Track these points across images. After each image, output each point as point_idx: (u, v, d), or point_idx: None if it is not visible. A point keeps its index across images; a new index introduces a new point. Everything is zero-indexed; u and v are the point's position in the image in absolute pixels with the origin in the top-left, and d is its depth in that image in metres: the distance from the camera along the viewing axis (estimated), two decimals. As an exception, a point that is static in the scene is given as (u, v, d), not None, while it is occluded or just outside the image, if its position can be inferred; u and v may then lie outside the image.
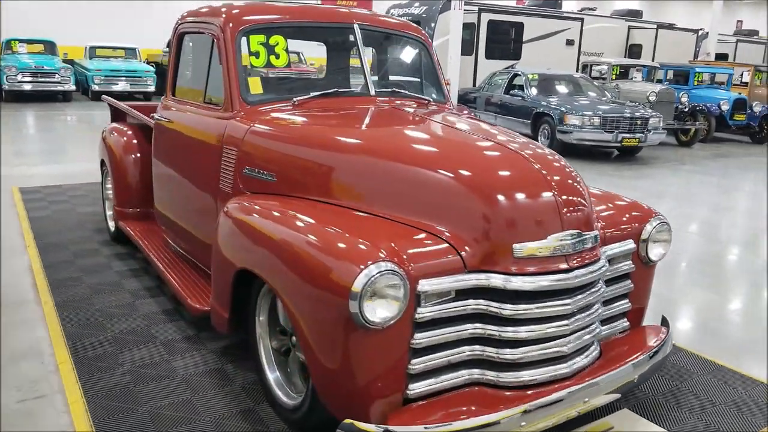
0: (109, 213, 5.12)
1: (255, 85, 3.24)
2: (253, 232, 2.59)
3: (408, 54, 3.92)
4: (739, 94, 13.83)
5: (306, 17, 3.48)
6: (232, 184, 3.09)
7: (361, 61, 3.47)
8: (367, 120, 3.17)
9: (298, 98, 3.25)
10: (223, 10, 3.37)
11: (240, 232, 2.69)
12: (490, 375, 2.34)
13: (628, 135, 10.24)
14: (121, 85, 16.62)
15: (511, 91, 11.48)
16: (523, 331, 2.31)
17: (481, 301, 2.28)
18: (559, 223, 2.37)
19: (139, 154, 4.64)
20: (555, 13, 16.43)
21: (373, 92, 3.45)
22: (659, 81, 14.50)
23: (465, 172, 2.40)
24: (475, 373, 2.34)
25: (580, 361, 2.49)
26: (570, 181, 2.50)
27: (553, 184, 2.42)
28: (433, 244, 2.29)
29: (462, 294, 2.28)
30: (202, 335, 3.43)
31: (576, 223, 2.43)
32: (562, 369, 2.41)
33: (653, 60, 17.37)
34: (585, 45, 16.55)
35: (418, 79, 3.90)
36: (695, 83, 14.36)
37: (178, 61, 3.76)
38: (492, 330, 2.30)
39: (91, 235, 5.12)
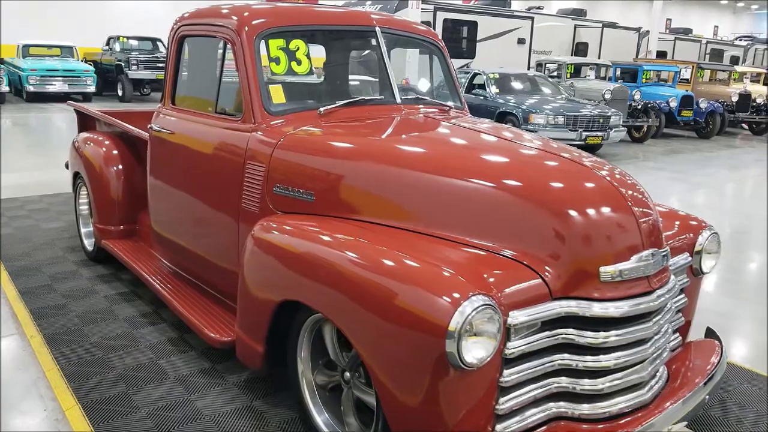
0: (84, 230, 4.71)
1: (277, 94, 2.96)
2: (303, 260, 2.32)
3: (425, 59, 3.72)
4: (686, 91, 14.27)
5: (326, 20, 3.22)
6: (259, 204, 2.81)
7: (386, 68, 3.25)
8: (412, 132, 2.95)
9: (325, 108, 3.01)
10: (237, 11, 3.07)
11: (283, 259, 2.43)
12: (574, 408, 2.17)
13: (591, 133, 10.36)
14: (58, 86, 15.76)
15: (473, 91, 11.43)
16: (608, 359, 2.15)
17: (570, 330, 2.11)
18: (641, 243, 2.23)
19: (121, 166, 4.26)
20: (506, 12, 16.55)
21: (399, 100, 3.24)
22: (607, 79, 14.81)
23: (545, 191, 2.22)
24: (561, 407, 2.17)
25: (654, 385, 2.36)
26: (641, 197, 2.36)
27: (630, 201, 2.28)
28: (516, 271, 2.10)
29: (546, 323, 2.10)
30: (218, 368, 3.14)
31: (653, 241, 2.29)
32: (641, 396, 2.26)
33: (599, 58, 17.76)
34: (535, 44, 16.73)
35: (437, 85, 3.70)
36: (643, 81, 14.72)
37: (177, 67, 3.43)
38: (577, 360, 2.13)
39: (65, 254, 4.68)
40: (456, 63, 14.26)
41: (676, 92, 13.96)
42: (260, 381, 3.01)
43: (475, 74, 11.84)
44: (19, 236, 5.05)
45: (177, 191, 3.36)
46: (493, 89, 11.29)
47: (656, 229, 2.33)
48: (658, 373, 2.43)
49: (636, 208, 2.26)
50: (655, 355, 2.33)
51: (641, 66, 14.97)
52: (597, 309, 2.12)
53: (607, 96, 12.50)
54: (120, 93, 16.53)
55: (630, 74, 15.20)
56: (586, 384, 2.15)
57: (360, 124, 2.97)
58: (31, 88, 15.42)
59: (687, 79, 16.33)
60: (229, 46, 3.03)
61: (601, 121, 10.50)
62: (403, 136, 2.90)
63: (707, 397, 2.49)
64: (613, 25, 19.07)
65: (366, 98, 3.23)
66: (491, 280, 2.02)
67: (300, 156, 2.70)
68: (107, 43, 17.73)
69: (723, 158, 11.99)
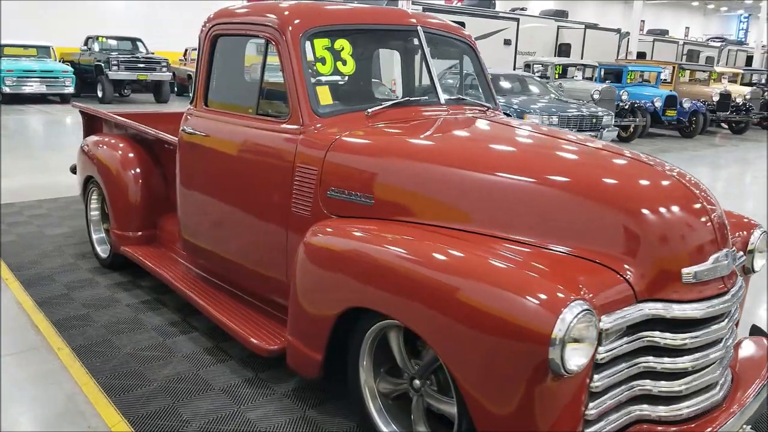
0: (96, 236, 4.54)
1: (324, 96, 2.88)
2: (377, 267, 2.23)
3: (461, 58, 3.65)
4: (670, 91, 14.46)
5: (370, 20, 3.13)
6: (311, 208, 2.72)
7: (429, 68, 3.18)
8: (468, 132, 2.88)
9: (372, 109, 2.93)
10: (280, 9, 2.97)
11: (350, 265, 2.34)
12: (654, 410, 2.13)
13: (584, 133, 10.41)
14: (35, 87, 15.35)
15: (466, 92, 11.40)
16: (687, 361, 2.12)
17: (655, 333, 2.08)
18: (716, 243, 2.21)
19: (138, 170, 4.12)
20: (493, 13, 16.60)
21: (443, 100, 3.17)
22: (593, 79, 14.94)
23: (624, 192, 2.18)
24: (644, 410, 2.12)
25: (724, 386, 2.34)
26: (710, 196, 2.34)
27: (704, 200, 2.25)
28: (602, 274, 2.06)
29: (630, 326, 2.06)
30: (263, 377, 3.03)
31: (725, 240, 2.27)
32: (714, 396, 2.24)
33: (582, 58, 17.91)
34: (520, 45, 16.81)
35: (474, 85, 3.64)
36: (628, 81, 14.88)
37: (210, 67, 3.30)
38: (659, 362, 2.10)
39: (76, 261, 4.52)
40: (445, 63, 14.32)
41: (661, 92, 14.14)
42: (310, 389, 2.92)
43: (467, 74, 11.81)
44: (24, 243, 4.86)
45: (213, 196, 3.24)
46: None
47: (726, 229, 2.31)
48: (725, 373, 2.41)
49: (709, 207, 2.24)
50: (725, 355, 2.31)
51: (626, 67, 15.14)
52: (681, 311, 2.10)
53: (596, 96, 12.60)
54: (100, 94, 16.16)
55: (614, 74, 15.37)
56: (666, 386, 2.12)
57: (414, 124, 2.90)
58: (7, 89, 14.99)
59: (665, 80, 16.55)
60: (272, 45, 2.93)
61: (594, 120, 10.58)
62: (463, 136, 2.83)
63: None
64: (594, 27, 19.27)
65: (411, 99, 3.15)
66: (587, 285, 1.97)
67: (358, 158, 2.62)
68: (85, 43, 17.32)
69: (709, 157, 12.17)
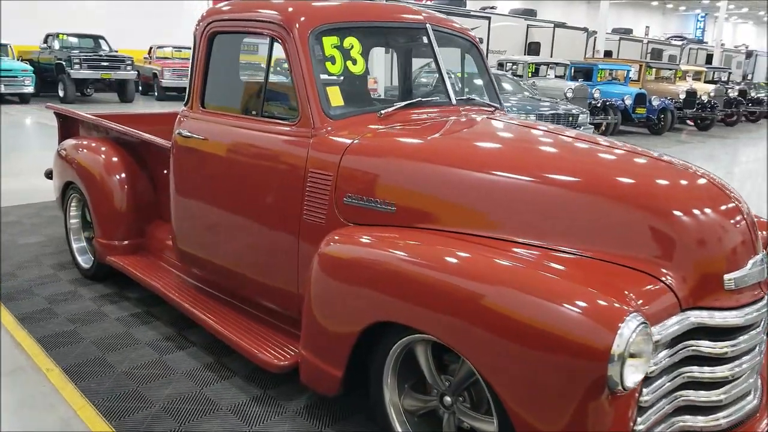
0: (77, 246, 4.30)
1: (335, 96, 2.72)
2: (408, 278, 2.09)
3: (466, 58, 3.54)
4: (640, 89, 14.65)
5: (379, 17, 2.99)
6: (326, 215, 2.57)
7: (439, 66, 3.06)
8: (490, 134, 2.76)
9: (385, 110, 2.79)
10: (285, 5, 2.82)
11: (376, 277, 2.20)
12: (696, 421, 2.05)
13: (561, 131, 10.44)
14: (-7, 86, 14.73)
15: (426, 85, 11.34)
16: (727, 369, 2.06)
17: (701, 342, 2.01)
18: (753, 247, 2.15)
19: (124, 175, 3.90)
20: (464, 12, 16.58)
21: (454, 101, 3.05)
22: (565, 78, 15.04)
23: (663, 197, 2.10)
24: (686, 420, 2.04)
25: (757, 392, 2.28)
26: (740, 197, 2.28)
27: (736, 202, 2.19)
28: (646, 283, 1.97)
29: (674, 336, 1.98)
30: (271, 393, 2.87)
31: (758, 244, 2.21)
32: (750, 403, 2.18)
33: (551, 56, 18.05)
34: (491, 43, 16.84)
35: (480, 84, 3.54)
36: (598, 79, 15.03)
37: (207, 67, 3.12)
38: (701, 372, 2.03)
39: (56, 272, 4.26)
40: (419, 62, 14.27)
41: (631, 90, 14.31)
42: (324, 406, 2.77)
43: (468, 73, 11.74)
44: (-2, 253, 4.59)
45: (213, 203, 3.05)
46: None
47: (757, 231, 2.25)
48: (757, 381, 2.36)
49: (743, 209, 2.18)
50: (759, 362, 2.26)
51: (596, 65, 15.28)
52: (723, 318, 2.03)
53: (569, 94, 12.68)
54: (61, 94, 15.63)
55: (583, 73, 15.50)
56: (708, 395, 2.05)
57: (430, 126, 2.77)
58: (-37, 90, 14.39)
59: (632, 78, 16.77)
60: (277, 44, 2.76)
61: (570, 119, 10.61)
62: (486, 138, 2.71)
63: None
64: (563, 26, 19.45)
65: (423, 99, 3.03)
66: (635, 296, 1.87)
67: (377, 162, 2.48)
68: (45, 41, 16.72)
69: (680, 154, 12.28)
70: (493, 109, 3.30)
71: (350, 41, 2.81)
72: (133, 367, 3.05)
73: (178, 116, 3.27)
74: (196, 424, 2.62)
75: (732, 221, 2.12)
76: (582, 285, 1.86)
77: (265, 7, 2.88)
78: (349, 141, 2.57)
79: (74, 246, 4.30)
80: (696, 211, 2.07)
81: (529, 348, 1.82)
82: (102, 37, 17.24)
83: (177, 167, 3.25)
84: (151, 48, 18.88)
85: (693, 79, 18.30)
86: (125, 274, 3.73)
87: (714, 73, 20.76)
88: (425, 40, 3.08)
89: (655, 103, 14.42)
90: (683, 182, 2.21)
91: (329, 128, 2.64)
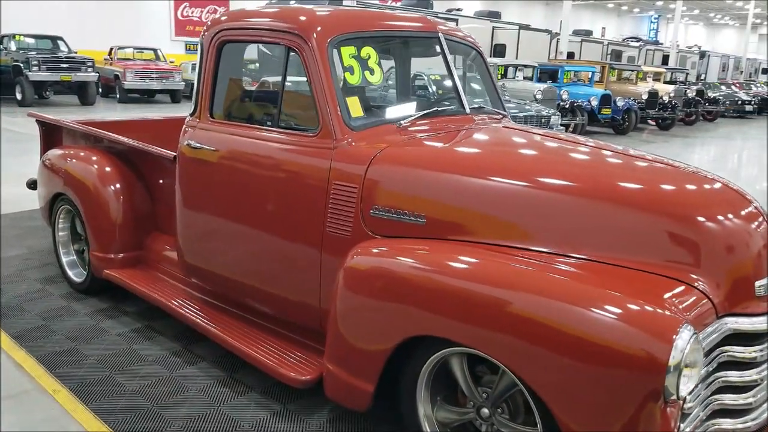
0: (66, 259, 4.15)
1: (355, 107, 2.69)
2: (448, 291, 2.07)
3: (472, 66, 3.55)
4: (605, 90, 14.95)
5: (394, 26, 2.97)
6: (351, 228, 2.54)
7: (452, 76, 3.05)
8: (513, 144, 2.76)
9: (404, 120, 2.77)
10: (299, 14, 2.77)
11: (411, 289, 2.18)
12: (727, 424, 2.09)
13: (534, 133, 10.58)
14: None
15: (416, 92, 11.36)
16: (755, 373, 2.12)
17: (735, 348, 2.07)
18: None
19: (119, 185, 3.78)
20: (431, 13, 16.62)
21: (468, 110, 3.05)
22: (530, 79, 15.26)
23: (694, 203, 2.18)
24: (720, 424, 2.08)
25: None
26: (758, 203, 2.34)
27: (757, 208, 2.26)
28: (684, 292, 2.00)
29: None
30: (291, 408, 2.82)
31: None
32: None
33: (516, 58, 18.26)
34: (457, 44, 16.91)
35: (485, 92, 3.55)
36: (564, 81, 15.28)
37: (216, 76, 3.04)
38: (733, 376, 2.08)
39: (44, 287, 4.11)
40: (388, 63, 14.26)
41: (597, 92, 14.59)
42: (348, 420, 2.73)
43: (415, 76, 11.77)
44: (-20, 268, 4.40)
45: (226, 216, 2.98)
46: (435, 89, 11.27)
47: None
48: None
49: (764, 214, 2.25)
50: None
51: (562, 67, 15.53)
52: (753, 324, 2.09)
53: (539, 96, 12.86)
54: (19, 96, 15.11)
55: (549, 74, 15.74)
56: (737, 399, 2.10)
57: (452, 134, 2.76)
58: None
59: (594, 80, 17.09)
60: (293, 53, 2.72)
61: (542, 120, 10.75)
62: (512, 148, 2.72)
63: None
64: (527, 27, 19.71)
65: (439, 109, 3.02)
66: (676, 303, 1.91)
67: (405, 173, 2.45)
68: (0, 42, 16.13)
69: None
70: (501, 116, 3.32)
71: (367, 51, 2.79)
72: (145, 385, 2.96)
73: (184, 126, 3.18)
74: (220, 443, 2.56)
75: (754, 226, 2.19)
76: (627, 295, 1.88)
77: (279, 16, 2.83)
78: (373, 151, 2.54)
79: (63, 259, 4.15)
80: (721, 217, 2.14)
81: (582, 360, 1.82)
82: (61, 38, 16.74)
83: (185, 179, 3.16)
84: (111, 49, 18.42)
85: (653, 80, 18.77)
86: (124, 288, 3.62)
87: (672, 73, 21.33)
88: (437, 48, 3.07)
89: (620, 103, 14.74)
90: (706, 187, 2.29)
91: (350, 139, 2.61)
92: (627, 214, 2.15)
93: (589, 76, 15.98)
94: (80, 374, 3.04)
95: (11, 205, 6.07)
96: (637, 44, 27.29)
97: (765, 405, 2.18)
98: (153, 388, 2.94)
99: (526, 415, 2.14)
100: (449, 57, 3.06)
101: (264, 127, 2.86)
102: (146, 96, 18.41)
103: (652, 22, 46.84)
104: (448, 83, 3.10)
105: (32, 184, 4.55)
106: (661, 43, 34.73)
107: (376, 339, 2.31)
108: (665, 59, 26.95)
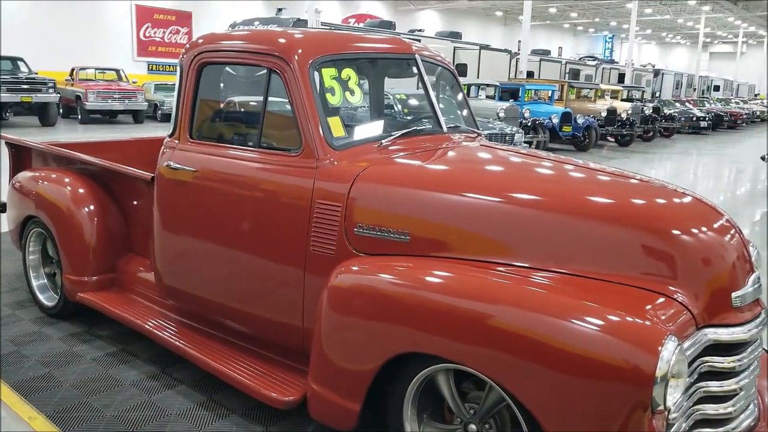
0: (37, 283, 4.07)
1: (337, 127, 2.73)
2: (435, 308, 2.11)
3: (444, 86, 3.63)
4: (565, 108, 15.32)
5: (372, 48, 3.03)
6: (335, 246, 2.56)
7: (429, 96, 3.13)
8: (495, 162, 2.82)
9: (385, 140, 2.82)
10: (280, 36, 2.81)
11: (397, 307, 2.20)
12: None
13: (499, 151, 10.77)
14: None
15: (396, 112, 11.47)
16: (735, 382, 2.18)
17: (715, 358, 2.13)
18: (749, 265, 2.31)
19: (92, 207, 3.73)
20: (394, 34, 16.82)
21: (445, 129, 3.12)
22: (492, 98, 15.53)
23: (671, 218, 2.24)
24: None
25: (756, 404, 2.43)
26: (731, 218, 2.44)
27: (731, 222, 2.35)
28: (667, 305, 2.07)
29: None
30: (273, 430, 2.81)
31: (753, 262, 2.37)
32: (753, 414, 2.29)
33: (478, 77, 18.57)
34: (420, 64, 17.13)
35: (458, 111, 3.63)
36: (526, 99, 15.61)
37: (195, 98, 3.05)
38: (715, 386, 2.15)
39: (14, 311, 4.01)
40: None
41: (557, 110, 14.95)
42: (329, 440, 2.74)
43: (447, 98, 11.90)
44: (-56, 294, 4.27)
45: (206, 236, 2.97)
46: (401, 108, 11.40)
47: (749, 250, 2.41)
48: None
49: (737, 228, 2.34)
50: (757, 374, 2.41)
51: (523, 86, 15.87)
52: (730, 334, 2.16)
53: (501, 114, 13.10)
54: (-24, 118, 14.76)
55: (510, 93, 16.05)
56: (717, 409, 2.16)
57: (430, 153, 2.82)
58: None
59: (554, 98, 17.49)
60: (275, 75, 2.75)
61: (506, 138, 10.96)
62: (492, 166, 2.78)
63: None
64: (487, 47, 20.07)
65: (418, 128, 3.08)
66: (658, 316, 1.98)
67: (389, 192, 2.49)
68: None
69: (607, 170, 12.95)
70: (476, 135, 3.40)
71: (347, 72, 2.84)
72: (123, 410, 2.91)
73: (162, 147, 3.17)
74: (205, 466, 2.54)
75: (728, 238, 2.27)
76: (610, 307, 1.94)
77: (259, 39, 2.87)
78: (356, 170, 2.58)
79: (34, 283, 4.07)
80: (695, 230, 2.21)
81: (569, 373, 1.87)
82: (21, 59, 16.43)
83: (163, 201, 3.15)
84: (73, 69, 18.14)
85: (611, 98, 19.28)
86: (98, 311, 3.56)
87: (629, 91, 21.96)
88: (414, 69, 3.14)
89: (580, 121, 15.12)
90: (679, 201, 2.37)
91: (332, 159, 2.64)
92: (604, 228, 2.21)
93: (549, 95, 16.35)
94: (56, 400, 2.98)
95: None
96: (593, 63, 28.01)
97: (745, 413, 2.25)
98: (132, 413, 2.90)
99: (513, 429, 2.18)
100: (426, 77, 3.13)
101: (245, 147, 2.88)
102: (108, 117, 18.14)
103: (606, 41, 48.28)
104: (424, 103, 3.16)
105: (2, 207, 4.45)
106: (617, 62, 35.78)
107: (362, 358, 2.33)
108: (621, 77, 27.71)
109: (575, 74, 24.88)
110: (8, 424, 2.80)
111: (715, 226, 2.27)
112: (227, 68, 3.22)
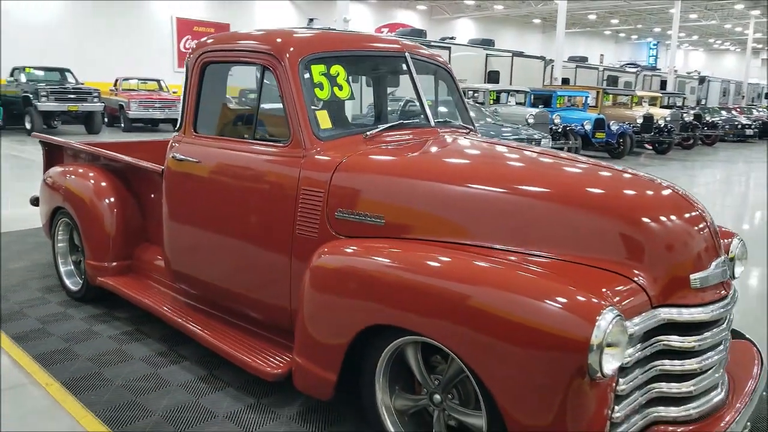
0: (64, 269, 4.40)
1: (324, 120, 2.95)
2: (401, 283, 2.28)
3: (440, 83, 3.81)
4: (598, 114, 15.23)
5: (362, 46, 3.24)
6: (318, 229, 2.77)
7: (417, 92, 3.31)
8: (471, 152, 2.99)
9: (370, 131, 3.02)
10: (274, 36, 3.04)
11: (368, 282, 2.39)
12: (669, 411, 2.24)
13: (525, 155, 10.82)
14: (-39, 119, 14.60)
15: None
16: (696, 362, 2.26)
17: (671, 336, 2.22)
18: (714, 249, 2.38)
19: (113, 199, 4.04)
20: (425, 42, 17.04)
21: (433, 123, 3.31)
22: (523, 104, 15.56)
23: (634, 204, 2.34)
24: (660, 411, 2.26)
25: (725, 386, 2.49)
26: (703, 206, 2.53)
27: (700, 210, 2.43)
28: (621, 283, 2.18)
29: (646, 331, 2.19)
30: (264, 402, 3.02)
31: (720, 247, 2.44)
32: (718, 395, 2.37)
33: (510, 84, 18.62)
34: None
35: (452, 108, 3.80)
36: (558, 106, 15.58)
37: (199, 95, 3.31)
38: (672, 365, 2.23)
39: (44, 295, 4.35)
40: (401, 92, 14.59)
41: (590, 116, 14.87)
42: (315, 411, 2.93)
43: (407, 101, 12.08)
44: (-17, 279, 4.65)
45: (207, 222, 3.22)
46: (401, 106, 11.58)
47: (719, 236, 2.49)
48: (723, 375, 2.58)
49: (705, 216, 2.43)
50: (724, 357, 2.48)
51: (555, 92, 15.85)
52: (690, 315, 2.23)
53: (531, 120, 13.13)
54: (28, 126, 15.53)
55: (543, 99, 16.05)
56: (679, 387, 2.24)
57: (413, 145, 3.00)
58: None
59: (590, 104, 17.39)
60: (268, 72, 2.98)
61: (532, 143, 11.01)
62: (466, 155, 2.95)
63: (765, 393, 2.67)
64: (521, 54, 20.12)
65: (405, 122, 3.27)
66: (610, 293, 2.08)
67: (365, 179, 2.69)
68: (11, 74, 16.66)
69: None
70: (468, 130, 3.56)
71: (336, 69, 3.05)
72: (130, 381, 3.18)
73: (170, 141, 3.44)
74: (195, 429, 2.76)
75: (696, 227, 2.35)
76: (564, 285, 2.06)
77: (256, 39, 3.11)
78: (338, 160, 2.78)
79: (62, 269, 4.40)
80: (664, 218, 2.29)
81: (515, 343, 2.00)
82: (68, 70, 17.25)
83: (170, 190, 3.42)
84: (117, 80, 18.93)
85: (649, 105, 19.04)
86: (116, 294, 3.85)
87: (669, 98, 21.61)
88: (404, 67, 3.34)
89: (614, 127, 14.98)
90: (651, 192, 2.44)
91: (319, 149, 2.85)
92: (571, 214, 2.33)
93: (583, 101, 16.26)
94: (71, 370, 3.26)
95: (19, 223, 6.38)
96: (633, 70, 27.65)
97: (714, 392, 2.34)
98: (138, 383, 3.16)
99: (477, 401, 2.32)
100: (415, 75, 3.32)
101: (241, 140, 3.12)
102: (150, 125, 18.84)
103: (651, 48, 47.45)
104: (400, 102, 3.34)
105: (35, 201, 4.82)
106: (659, 69, 35.19)
107: (337, 331, 2.52)
108: (663, 84, 27.30)
109: (613, 81, 24.63)
110: (29, 389, 3.08)
111: (683, 214, 2.34)
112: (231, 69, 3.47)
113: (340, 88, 3.04)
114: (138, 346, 3.59)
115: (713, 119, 21.47)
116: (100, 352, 3.49)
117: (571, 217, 2.33)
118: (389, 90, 4.21)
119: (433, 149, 3.01)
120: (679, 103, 22.82)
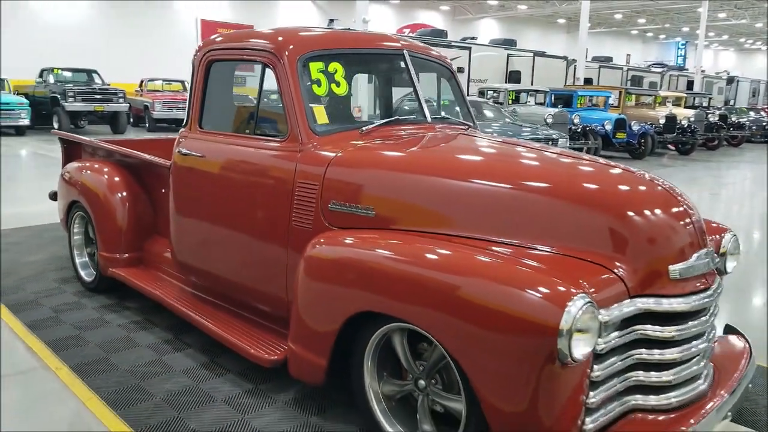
0: (79, 261, 4.57)
1: (321, 115, 3.04)
2: (386, 271, 2.37)
3: (441, 80, 3.88)
4: (620, 114, 15.12)
5: (360, 44, 3.33)
6: (312, 221, 2.86)
7: (416, 89, 3.39)
8: (463, 147, 3.07)
9: (366, 127, 3.11)
10: (275, 35, 3.15)
11: (360, 270, 2.46)
12: (647, 400, 2.29)
13: (542, 155, 10.81)
14: (-10, 119, 15.03)
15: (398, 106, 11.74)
16: (676, 352, 2.30)
17: (648, 326, 2.26)
18: (697, 243, 2.42)
19: (125, 193, 4.19)
20: (445, 42, 17.09)
21: (429, 119, 3.38)
22: (543, 104, 15.52)
23: (617, 198, 2.39)
24: (638, 399, 2.30)
25: (708, 377, 2.52)
26: (689, 201, 2.56)
27: (684, 205, 2.47)
28: (598, 273, 2.23)
29: (624, 320, 2.24)
30: (262, 388, 3.13)
31: (704, 241, 2.48)
32: (700, 386, 2.41)
33: (532, 84, 18.57)
34: (473, 72, 17.33)
35: (453, 105, 3.87)
36: (578, 105, 15.50)
37: (205, 92, 3.44)
38: (651, 354, 2.27)
39: (60, 286, 4.52)
40: (401, 90, 14.71)
41: (611, 116, 14.76)
42: (311, 398, 3.03)
43: (426, 101, 12.15)
44: (3, 270, 4.83)
45: (209, 215, 3.35)
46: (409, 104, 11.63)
47: (704, 230, 2.52)
48: (708, 367, 2.61)
49: (689, 211, 2.47)
50: (707, 348, 2.52)
51: (576, 92, 15.77)
52: (669, 305, 2.27)
53: (549, 120, 13.11)
54: (56, 125, 15.94)
55: (563, 99, 15.97)
56: (657, 376, 2.28)
57: (407, 140, 3.08)
58: (-40, 122, 14.67)
59: (612, 104, 17.24)
60: (269, 69, 3.09)
61: (550, 143, 11.00)
62: (456, 150, 3.02)
63: (750, 385, 2.70)
64: (542, 54, 20.06)
65: (401, 117, 3.35)
66: (585, 282, 2.14)
67: (357, 173, 2.78)
68: (40, 75, 17.12)
69: (662, 177, 12.69)
70: (467, 127, 3.63)
71: (334, 66, 3.14)
72: (135, 366, 3.31)
73: (177, 137, 3.57)
74: (195, 413, 2.88)
75: (677, 221, 2.39)
76: (540, 273, 2.12)
77: (257, 37, 3.22)
78: (332, 154, 2.88)
79: (77, 261, 4.57)
80: (646, 212, 2.34)
81: (491, 329, 2.07)
82: (95, 71, 17.66)
83: (177, 183, 3.55)
84: (142, 81, 19.31)
85: (673, 105, 18.81)
86: (126, 284, 4.00)
87: (694, 98, 21.32)
88: (402, 65, 3.42)
89: (635, 128, 14.86)
90: (636, 187, 2.48)
91: (315, 143, 2.95)
92: (556, 206, 2.38)
93: (605, 101, 16.15)
94: (81, 356, 3.40)
95: (40, 218, 6.59)
96: (659, 70, 27.31)
97: (697, 382, 2.38)
98: (142, 368, 3.29)
99: (459, 387, 2.39)
100: (413, 72, 3.39)
101: (242, 135, 3.23)
102: (174, 125, 19.18)
103: (679, 48, 46.74)
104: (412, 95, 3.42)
105: (53, 195, 5.00)
106: (687, 69, 34.68)
107: (328, 317, 2.61)
108: (690, 85, 26.93)
109: (638, 81, 24.37)
110: (40, 373, 3.23)
111: (663, 208, 2.39)
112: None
113: (338, 84, 3.13)
114: (145, 334, 3.73)
115: (740, 120, 21.12)
116: (109, 340, 3.63)
117: (555, 210, 2.39)
118: (408, 90, 4.28)
119: (425, 144, 3.08)
120: (705, 104, 22.48)
